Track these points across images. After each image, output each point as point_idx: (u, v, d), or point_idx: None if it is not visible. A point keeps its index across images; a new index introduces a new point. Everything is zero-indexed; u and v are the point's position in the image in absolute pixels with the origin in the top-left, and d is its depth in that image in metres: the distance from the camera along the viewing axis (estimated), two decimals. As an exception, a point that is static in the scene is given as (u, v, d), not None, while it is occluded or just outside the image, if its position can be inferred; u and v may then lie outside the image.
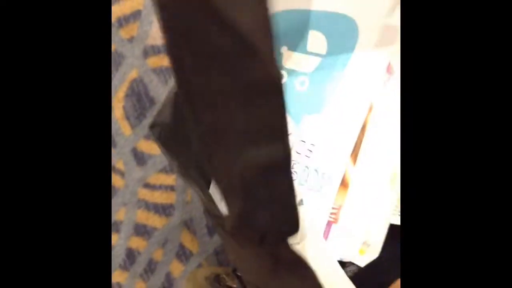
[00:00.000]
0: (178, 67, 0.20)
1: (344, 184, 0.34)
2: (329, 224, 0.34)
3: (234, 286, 0.40)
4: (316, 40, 0.34)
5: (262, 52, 0.19)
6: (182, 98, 0.21)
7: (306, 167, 0.34)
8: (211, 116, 0.21)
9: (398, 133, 0.36)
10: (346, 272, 0.31)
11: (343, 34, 0.33)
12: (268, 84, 0.20)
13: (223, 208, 0.33)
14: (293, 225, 0.24)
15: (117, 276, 0.50)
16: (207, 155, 0.22)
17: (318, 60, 0.34)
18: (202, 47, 0.19)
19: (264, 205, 0.23)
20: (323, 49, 0.34)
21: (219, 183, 0.23)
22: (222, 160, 0.22)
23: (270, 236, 0.25)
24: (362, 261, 0.35)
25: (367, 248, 0.36)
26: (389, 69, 0.34)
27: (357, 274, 0.36)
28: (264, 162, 0.22)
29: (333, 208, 0.34)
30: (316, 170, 0.34)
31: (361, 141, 0.35)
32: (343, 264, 0.34)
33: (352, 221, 0.34)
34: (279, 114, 0.21)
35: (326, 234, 0.35)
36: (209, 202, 0.33)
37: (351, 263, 0.35)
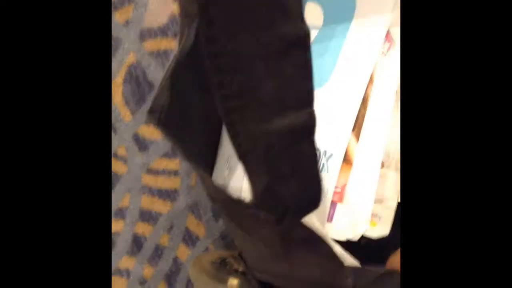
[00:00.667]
0: (207, 25, 0.19)
1: (347, 161, 0.33)
2: (333, 204, 0.34)
3: (240, 269, 0.40)
4: (312, 11, 0.33)
5: (291, 8, 0.18)
6: (208, 60, 0.20)
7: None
8: (237, 80, 0.20)
9: (399, 106, 0.34)
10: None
11: (339, 4, 0.32)
12: (297, 40, 0.19)
13: (240, 185, 0.32)
14: (316, 199, 0.23)
15: (124, 262, 0.50)
16: (231, 123, 0.21)
17: (315, 32, 0.33)
18: (232, 3, 0.18)
19: (289, 178, 0.23)
20: (320, 21, 0.33)
21: (242, 156, 0.22)
22: (247, 129, 0.21)
23: (291, 211, 0.24)
24: (374, 233, 0.34)
25: (378, 221, 0.35)
26: (388, 38, 0.33)
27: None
28: (290, 131, 0.21)
29: (336, 187, 0.33)
30: (318, 148, 0.33)
31: (363, 116, 0.33)
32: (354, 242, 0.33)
33: (358, 199, 0.34)
34: (306, 77, 0.20)
35: (331, 215, 0.34)
36: (213, 186, 0.32)
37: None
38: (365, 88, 0.32)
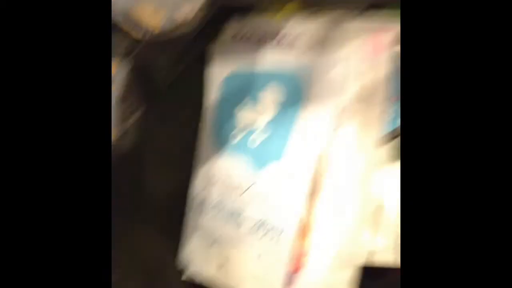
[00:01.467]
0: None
1: (304, 231, 0.35)
2: (291, 273, 0.35)
3: None
4: (266, 98, 0.37)
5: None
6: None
7: (263, 218, 0.36)
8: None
9: (352, 179, 0.34)
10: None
11: (290, 91, 0.36)
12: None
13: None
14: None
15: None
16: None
17: (269, 116, 0.37)
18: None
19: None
20: (275, 104, 0.37)
21: None
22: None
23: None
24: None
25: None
26: (340, 115, 0.34)
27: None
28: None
29: (292, 259, 0.34)
30: (274, 220, 0.36)
31: (316, 189, 0.35)
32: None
33: (315, 267, 0.34)
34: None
35: (289, 285, 0.35)
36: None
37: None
38: (316, 163, 0.34)
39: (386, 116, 0.34)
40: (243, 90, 0.38)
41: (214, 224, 0.39)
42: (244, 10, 0.39)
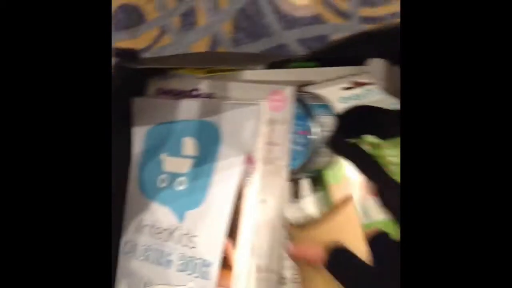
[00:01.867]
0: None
1: (227, 266, 0.38)
2: None
3: None
4: (188, 144, 0.42)
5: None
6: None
7: (191, 257, 0.40)
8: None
9: (269, 214, 0.38)
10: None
11: (210, 137, 0.41)
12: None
13: None
14: None
15: None
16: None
17: (191, 161, 0.41)
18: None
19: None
20: (195, 152, 0.41)
21: None
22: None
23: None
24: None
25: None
26: (250, 161, 0.39)
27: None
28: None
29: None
30: (199, 259, 0.39)
31: (237, 225, 0.39)
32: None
33: None
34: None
35: None
36: None
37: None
38: (233, 202, 0.38)
39: (289, 159, 0.40)
40: (165, 140, 0.42)
41: (144, 267, 0.41)
42: (163, 71, 0.44)
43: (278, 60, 0.42)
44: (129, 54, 0.36)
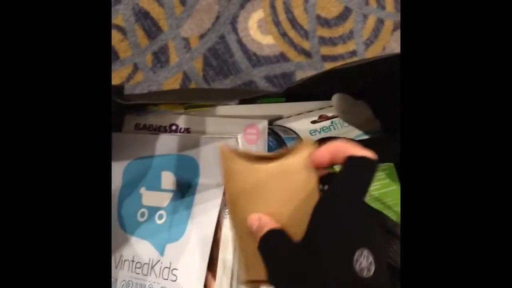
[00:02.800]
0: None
1: None
2: None
3: None
4: (167, 178, 0.43)
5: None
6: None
7: None
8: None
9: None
10: None
11: (188, 171, 0.42)
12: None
13: None
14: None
15: None
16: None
17: (170, 195, 0.43)
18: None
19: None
20: (173, 186, 0.43)
21: None
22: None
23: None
24: None
25: None
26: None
27: None
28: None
29: None
30: None
31: (217, 257, 0.40)
32: None
33: None
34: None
35: None
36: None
37: None
38: (213, 234, 0.39)
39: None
40: (144, 175, 0.43)
41: (124, 302, 0.41)
42: (140, 106, 0.45)
43: (251, 96, 0.44)
44: (115, 89, 0.37)
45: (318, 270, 0.22)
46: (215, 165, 0.41)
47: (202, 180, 0.42)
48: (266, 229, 0.25)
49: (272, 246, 0.25)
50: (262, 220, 0.26)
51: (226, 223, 0.40)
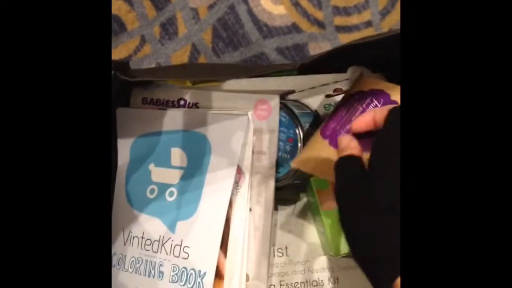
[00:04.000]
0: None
1: (219, 276, 0.38)
2: None
3: None
4: (177, 155, 0.42)
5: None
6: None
7: (184, 267, 0.40)
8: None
9: (256, 223, 0.39)
10: None
11: (199, 148, 0.41)
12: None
13: None
14: None
15: None
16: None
17: (181, 172, 0.41)
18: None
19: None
20: (184, 163, 0.41)
21: None
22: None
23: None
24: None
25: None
26: (239, 171, 0.39)
27: None
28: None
29: None
30: (193, 269, 0.39)
31: (228, 235, 0.39)
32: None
33: None
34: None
35: None
36: None
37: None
38: (226, 213, 0.39)
39: (276, 167, 0.41)
40: (152, 151, 0.42)
41: (134, 280, 0.41)
42: (147, 80, 0.44)
43: (262, 73, 0.42)
44: (120, 65, 0.36)
45: (380, 196, 0.25)
46: (227, 143, 0.40)
47: (213, 158, 0.40)
48: (347, 153, 0.29)
49: (345, 169, 0.28)
50: (350, 144, 0.29)
51: (236, 201, 0.39)
